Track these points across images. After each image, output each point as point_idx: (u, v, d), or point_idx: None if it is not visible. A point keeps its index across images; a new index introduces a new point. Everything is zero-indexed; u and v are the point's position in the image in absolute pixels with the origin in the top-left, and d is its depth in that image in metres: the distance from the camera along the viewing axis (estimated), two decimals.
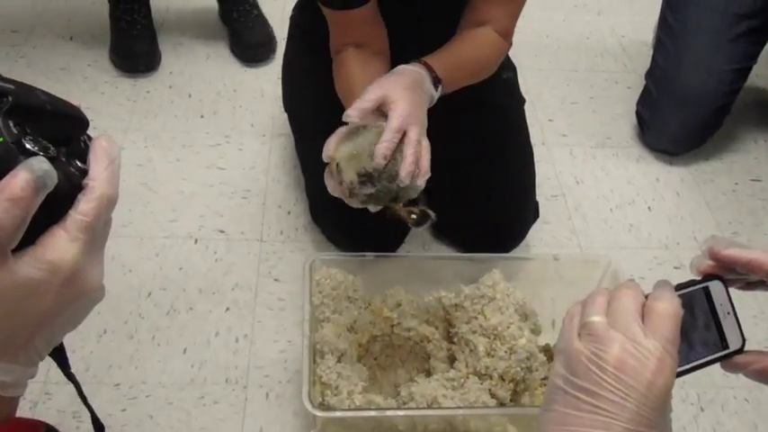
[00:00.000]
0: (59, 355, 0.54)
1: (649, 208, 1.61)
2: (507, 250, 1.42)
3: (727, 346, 0.59)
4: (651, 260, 1.50)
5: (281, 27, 1.86)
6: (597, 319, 0.51)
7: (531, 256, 1.36)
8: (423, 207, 0.99)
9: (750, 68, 1.66)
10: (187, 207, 1.48)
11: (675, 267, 1.49)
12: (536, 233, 1.47)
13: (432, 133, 1.02)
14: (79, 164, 0.46)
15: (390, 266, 1.25)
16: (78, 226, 0.44)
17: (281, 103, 1.58)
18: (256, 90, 1.78)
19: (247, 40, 1.85)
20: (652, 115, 1.68)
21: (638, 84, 1.84)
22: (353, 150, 0.95)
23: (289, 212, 1.49)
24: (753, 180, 1.70)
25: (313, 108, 1.41)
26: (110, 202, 0.46)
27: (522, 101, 1.49)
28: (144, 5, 1.83)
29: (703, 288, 0.59)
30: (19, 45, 1.86)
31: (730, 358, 0.59)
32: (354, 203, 0.98)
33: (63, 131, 0.47)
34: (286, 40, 1.51)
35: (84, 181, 0.45)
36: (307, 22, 1.43)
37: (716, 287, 0.59)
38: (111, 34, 1.82)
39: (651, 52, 1.76)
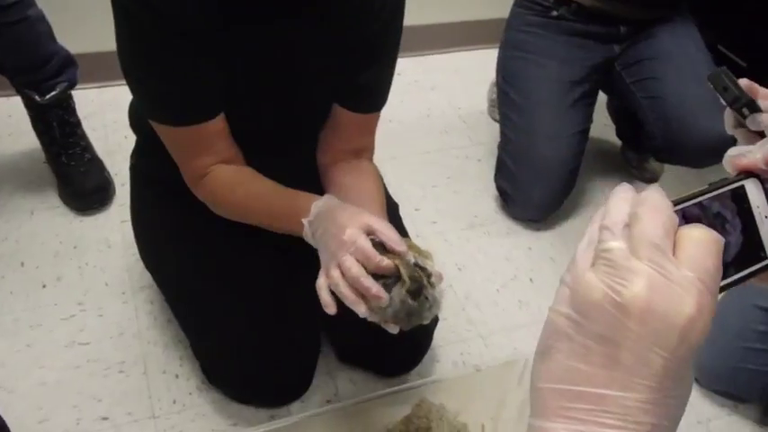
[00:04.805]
0: None
1: (531, 280, 1.64)
2: (417, 361, 1.39)
3: (765, 256, 0.47)
4: None
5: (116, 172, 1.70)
6: (616, 245, 0.39)
7: (453, 376, 1.30)
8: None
9: (589, 128, 1.76)
10: (56, 400, 1.27)
11: None
12: (438, 333, 1.43)
13: None
14: None
15: (312, 424, 1.15)
16: None
17: (132, 252, 1.42)
18: (100, 242, 1.57)
19: (81, 186, 1.62)
20: (514, 188, 1.71)
21: (487, 155, 1.88)
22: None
23: (177, 376, 1.34)
24: None
25: (183, 266, 1.28)
26: None
27: (396, 206, 1.45)
28: None
29: (738, 188, 0.47)
30: None
31: None
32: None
33: None
34: (130, 191, 1.37)
35: None
36: (151, 168, 1.30)
37: (752, 186, 0.48)
38: None
39: (489, 121, 1.79)
